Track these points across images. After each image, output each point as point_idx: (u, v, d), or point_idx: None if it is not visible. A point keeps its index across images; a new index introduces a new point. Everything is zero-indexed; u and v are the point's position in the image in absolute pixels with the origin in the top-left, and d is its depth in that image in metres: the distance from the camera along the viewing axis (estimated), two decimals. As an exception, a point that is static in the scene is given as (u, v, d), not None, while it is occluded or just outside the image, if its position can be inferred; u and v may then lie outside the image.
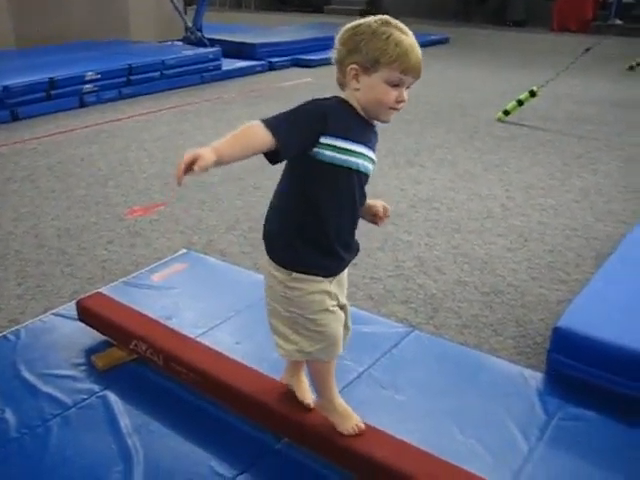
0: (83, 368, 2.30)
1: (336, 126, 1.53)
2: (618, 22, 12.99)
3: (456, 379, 2.30)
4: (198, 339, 2.35)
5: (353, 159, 1.57)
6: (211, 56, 7.73)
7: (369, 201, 1.76)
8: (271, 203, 1.70)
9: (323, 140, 1.53)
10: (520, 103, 5.93)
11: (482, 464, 1.88)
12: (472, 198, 4.04)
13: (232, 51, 8.45)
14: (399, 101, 1.56)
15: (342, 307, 1.76)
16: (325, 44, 9.19)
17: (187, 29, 8.69)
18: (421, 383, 2.26)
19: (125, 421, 2.05)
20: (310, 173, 1.58)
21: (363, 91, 1.55)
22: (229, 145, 1.44)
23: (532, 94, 5.95)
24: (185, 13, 9.20)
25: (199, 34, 8.51)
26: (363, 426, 1.81)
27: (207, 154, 1.38)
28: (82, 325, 2.47)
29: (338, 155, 1.55)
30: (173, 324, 2.44)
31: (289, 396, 1.94)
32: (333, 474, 1.86)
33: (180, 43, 8.69)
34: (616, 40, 11.20)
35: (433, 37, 10.91)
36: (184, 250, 3.20)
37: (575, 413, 2.14)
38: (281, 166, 1.61)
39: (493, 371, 2.35)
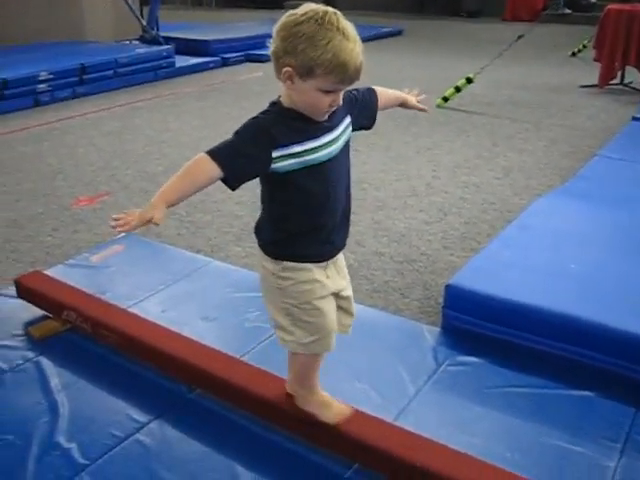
0: (21, 339, 2.51)
1: (283, 135, 1.52)
2: (567, 11, 13.35)
3: (360, 337, 2.50)
4: (128, 309, 2.58)
5: (313, 156, 1.56)
6: (164, 54, 7.91)
7: (397, 94, 1.89)
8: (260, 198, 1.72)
9: (275, 154, 1.52)
10: (458, 89, 6.21)
11: (371, 404, 2.11)
12: (400, 179, 4.30)
13: (187, 48, 8.64)
14: (333, 105, 1.53)
15: (339, 295, 1.76)
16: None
17: (143, 28, 8.86)
18: (327, 340, 2.50)
19: (55, 381, 2.26)
20: (278, 188, 1.60)
21: (297, 93, 1.51)
22: (175, 189, 1.50)
23: (469, 81, 6.23)
24: (141, 13, 9.36)
25: (154, 33, 8.67)
26: (348, 412, 1.86)
27: (156, 213, 1.46)
28: (22, 302, 2.68)
29: (296, 160, 1.54)
30: (107, 298, 2.66)
31: (202, 352, 2.19)
32: (240, 419, 2.09)
33: (137, 42, 8.86)
34: (565, 28, 11.58)
35: (385, 30, 11.19)
36: (123, 234, 3.42)
37: (462, 360, 2.39)
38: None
39: (394, 328, 2.60)
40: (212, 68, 8.47)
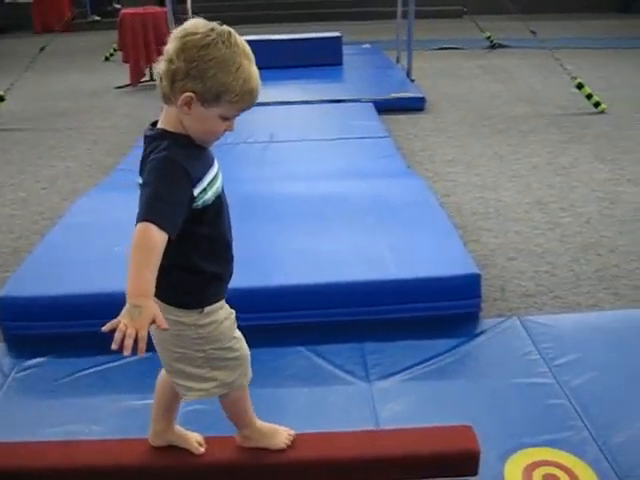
0: None
1: (195, 169, 1.43)
2: (97, 18, 13.69)
3: None
4: None
5: (217, 184, 1.50)
6: None
7: None
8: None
9: (196, 191, 1.43)
10: (-10, 109, 6.03)
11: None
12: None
13: None
14: (227, 131, 1.48)
15: None
16: None
17: None
18: None
19: None
20: (194, 226, 1.47)
21: (192, 119, 1.42)
22: (147, 273, 1.34)
23: (1, 99, 6.10)
24: None
25: None
26: (293, 432, 1.84)
27: (153, 313, 1.33)
28: None
29: (209, 191, 1.47)
30: None
31: None
32: None
33: None
34: (97, 34, 11.92)
35: None
36: None
37: (29, 364, 2.44)
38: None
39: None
40: None
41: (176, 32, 1.39)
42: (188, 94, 1.37)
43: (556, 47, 7.31)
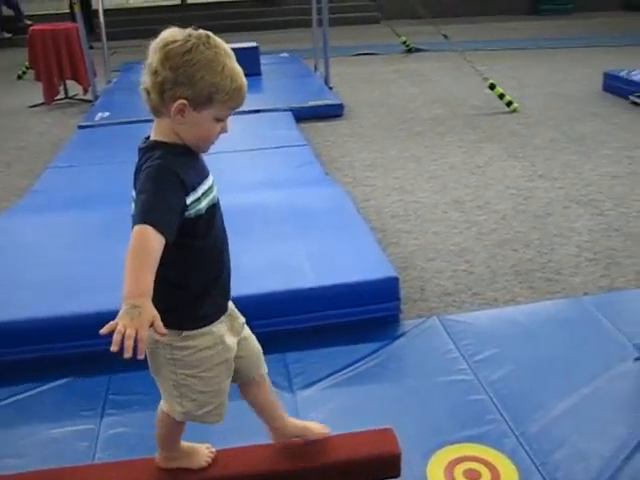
0: None
1: (189, 178, 1.42)
2: (7, 35, 13.28)
3: None
4: None
5: (211, 195, 1.50)
6: None
7: None
8: None
9: (189, 200, 1.42)
10: None
11: None
12: None
13: None
14: (222, 132, 1.48)
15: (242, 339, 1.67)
16: None
17: None
18: None
19: None
20: (182, 238, 1.42)
21: (187, 127, 1.42)
22: (146, 275, 1.31)
23: None
24: None
25: None
26: (214, 450, 1.81)
27: (149, 307, 1.29)
28: None
29: (203, 202, 1.46)
30: None
31: None
32: None
33: None
34: (8, 52, 11.57)
35: None
36: None
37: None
38: None
39: None
40: None
41: (155, 44, 1.40)
42: (180, 101, 1.39)
43: (469, 50, 7.51)
